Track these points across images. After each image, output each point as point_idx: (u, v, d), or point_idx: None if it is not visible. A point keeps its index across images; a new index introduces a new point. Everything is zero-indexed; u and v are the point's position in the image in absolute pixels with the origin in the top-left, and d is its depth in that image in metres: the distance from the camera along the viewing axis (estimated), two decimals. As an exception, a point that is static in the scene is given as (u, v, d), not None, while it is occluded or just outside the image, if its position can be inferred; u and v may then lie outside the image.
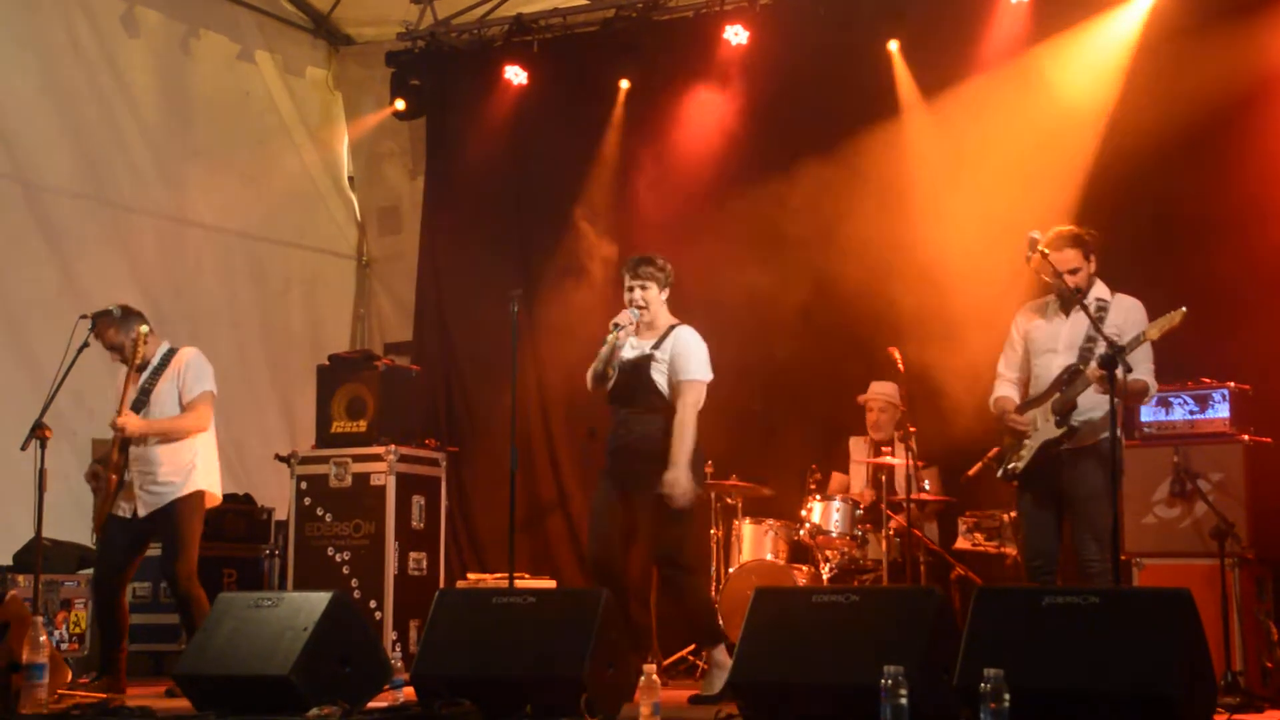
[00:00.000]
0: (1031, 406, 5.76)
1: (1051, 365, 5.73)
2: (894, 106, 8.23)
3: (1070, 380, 5.61)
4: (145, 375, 6.55)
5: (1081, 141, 7.61)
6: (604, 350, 6.06)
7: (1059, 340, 5.74)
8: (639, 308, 6.07)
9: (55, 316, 7.24)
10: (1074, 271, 5.65)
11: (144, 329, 6.52)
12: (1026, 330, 5.88)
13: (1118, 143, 7.54)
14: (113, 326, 6.53)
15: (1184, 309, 5.31)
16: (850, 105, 8.29)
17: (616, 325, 6.01)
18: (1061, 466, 5.63)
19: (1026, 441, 5.71)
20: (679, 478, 5.86)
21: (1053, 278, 5.67)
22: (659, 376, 6.02)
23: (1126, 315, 5.62)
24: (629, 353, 6.10)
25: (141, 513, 6.43)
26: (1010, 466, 5.77)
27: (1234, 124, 7.36)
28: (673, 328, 6.14)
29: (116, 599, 6.49)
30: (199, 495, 6.54)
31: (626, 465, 6.01)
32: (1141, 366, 5.55)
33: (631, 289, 6.10)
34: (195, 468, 6.54)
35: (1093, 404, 5.55)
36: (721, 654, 5.96)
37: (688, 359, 6.01)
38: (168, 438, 6.47)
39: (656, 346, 6.07)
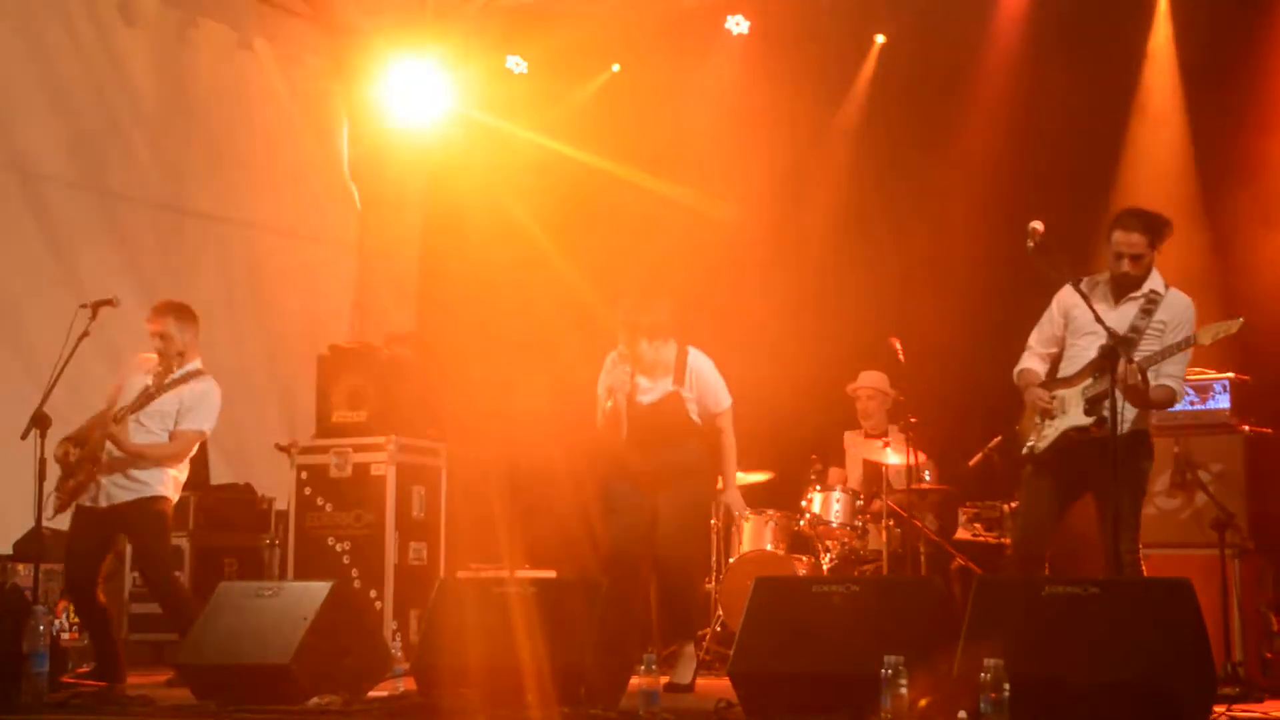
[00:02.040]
0: (1060, 386, 5.54)
1: (1090, 349, 5.46)
2: (895, 98, 8.23)
3: (1104, 369, 5.33)
4: (162, 383, 6.45)
5: (1084, 131, 7.61)
6: (607, 406, 6.17)
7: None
8: (627, 363, 6.13)
9: (51, 306, 7.23)
10: (1137, 259, 5.41)
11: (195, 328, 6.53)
12: (1069, 308, 5.61)
13: (1119, 131, 7.55)
14: (171, 316, 6.46)
15: (1241, 319, 5.17)
16: (853, 96, 8.29)
17: (613, 390, 6.12)
18: (1088, 454, 5.38)
19: (1051, 422, 5.50)
20: (739, 499, 6.48)
21: (1052, 270, 5.56)
22: (691, 410, 6.22)
23: (1177, 313, 5.40)
24: (649, 395, 6.18)
25: (104, 503, 6.31)
26: (1031, 445, 5.56)
27: (1233, 112, 7.35)
28: (683, 358, 6.23)
29: (92, 594, 6.32)
30: (165, 501, 6.40)
31: (662, 477, 6.16)
32: (1173, 368, 5.36)
33: (633, 339, 6.13)
34: (165, 475, 6.41)
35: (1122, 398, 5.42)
36: (693, 647, 6.27)
37: (716, 391, 6.27)
38: (139, 457, 6.37)
39: (678, 382, 6.19)
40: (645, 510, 6.12)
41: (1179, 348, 5.29)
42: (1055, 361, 5.70)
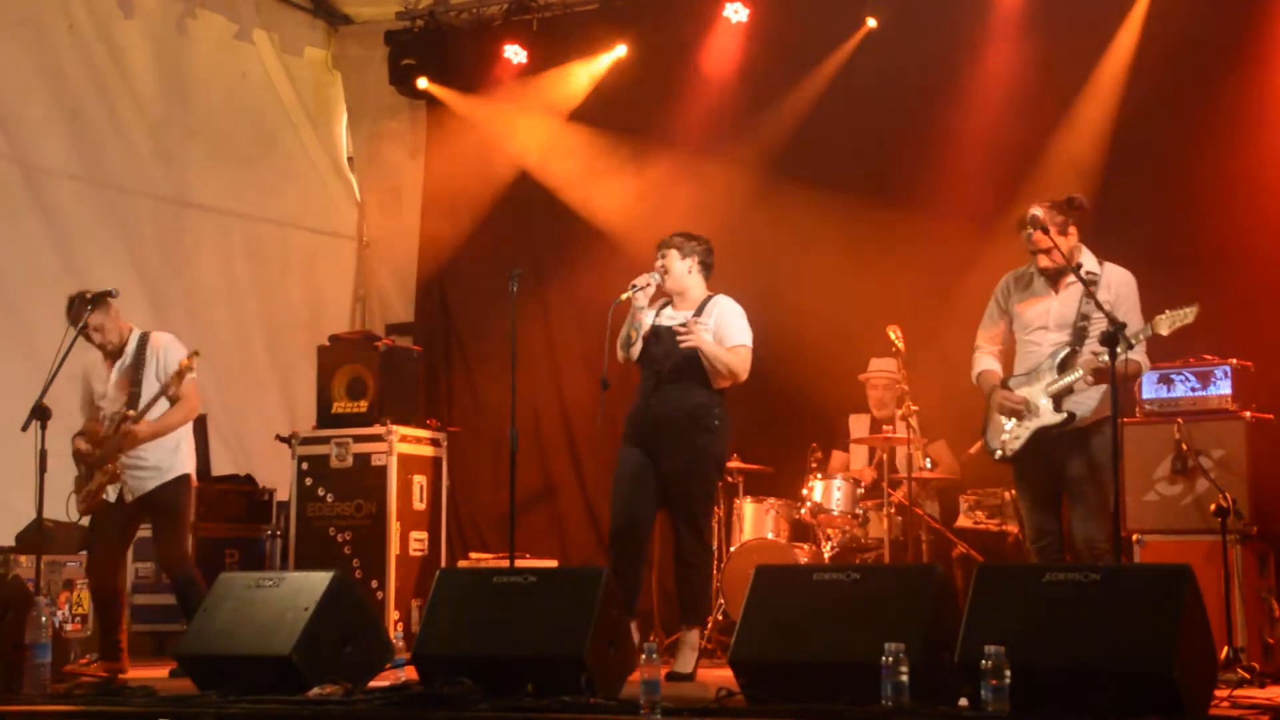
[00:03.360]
0: (1022, 385, 5.64)
1: (1044, 344, 5.60)
2: (892, 84, 8.21)
3: (1066, 364, 5.52)
4: (126, 365, 6.51)
5: (1078, 113, 7.59)
6: (622, 298, 6.09)
7: (1049, 317, 5.61)
8: (659, 273, 6.15)
9: (53, 298, 7.22)
10: (1048, 251, 5.50)
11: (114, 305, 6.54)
12: (1011, 305, 5.75)
13: (1116, 113, 7.53)
14: (92, 310, 6.45)
15: (1197, 305, 5.24)
16: (848, 82, 8.28)
17: (634, 286, 6.07)
18: (1059, 448, 5.54)
19: (1023, 423, 5.60)
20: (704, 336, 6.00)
21: (1049, 255, 5.58)
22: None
23: (1118, 290, 5.49)
24: (669, 321, 6.15)
25: (128, 497, 6.45)
26: (1001, 449, 5.68)
27: (1234, 95, 7.33)
28: (711, 297, 6.22)
29: (113, 583, 6.50)
30: (186, 479, 6.54)
31: (660, 436, 6.06)
32: (1135, 347, 5.44)
33: (657, 260, 6.20)
34: (180, 452, 6.53)
35: (1086, 387, 5.49)
36: (697, 635, 6.15)
37: (733, 326, 6.14)
38: (164, 432, 6.46)
39: (698, 314, 6.13)
40: (649, 486, 6.07)
41: (1141, 334, 5.38)
42: (1008, 355, 5.79)
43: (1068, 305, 5.59)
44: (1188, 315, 5.27)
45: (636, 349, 6.15)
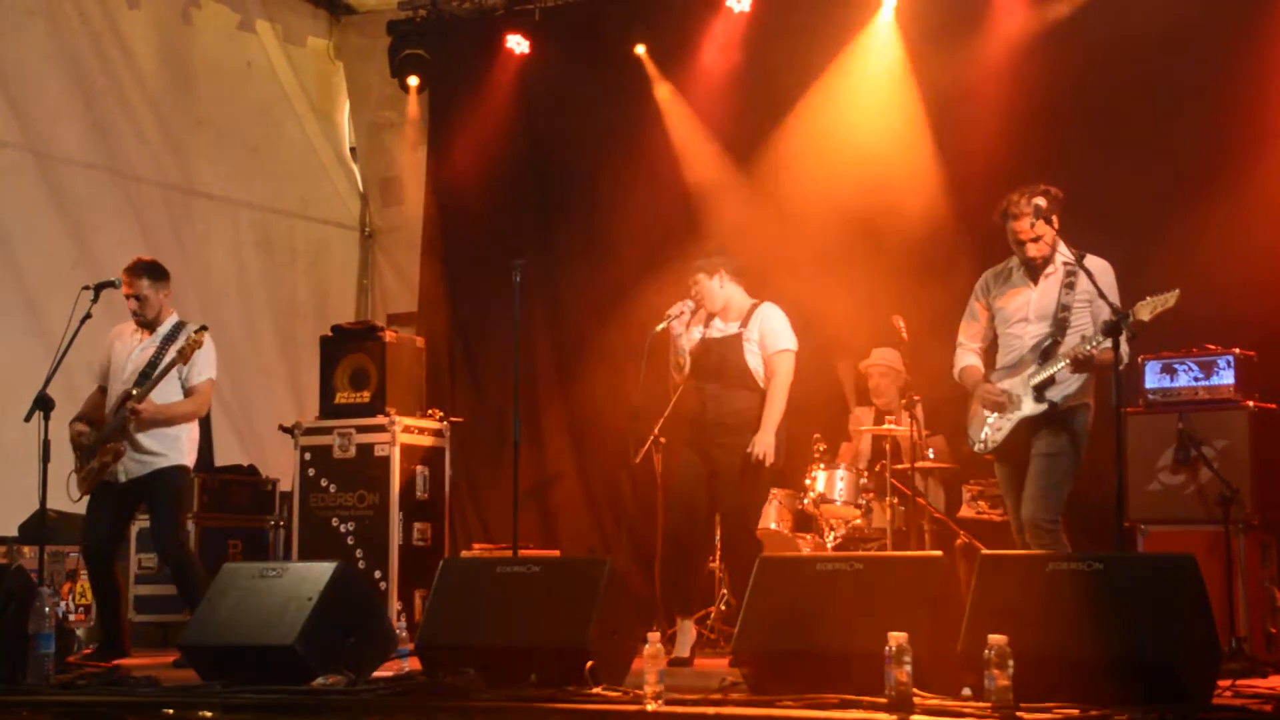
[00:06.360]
0: (1005, 377, 5.67)
1: (1025, 335, 5.63)
2: (893, 67, 8.19)
3: (1048, 355, 5.54)
4: (154, 345, 6.54)
5: (1072, 94, 7.57)
6: (658, 329, 6.36)
7: (1030, 309, 5.64)
8: (694, 299, 6.40)
9: (69, 287, 7.20)
10: (1036, 240, 5.52)
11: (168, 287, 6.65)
12: (992, 301, 5.78)
13: (1111, 94, 7.50)
14: (146, 278, 6.53)
15: (1177, 290, 5.25)
16: (853, 68, 8.26)
17: (669, 316, 6.35)
18: (1033, 432, 5.59)
19: (1005, 415, 5.62)
20: (768, 441, 6.25)
21: (1038, 244, 5.58)
22: (751, 357, 6.35)
23: (1097, 280, 5.44)
24: (715, 333, 6.41)
25: (123, 479, 6.46)
26: (984, 440, 5.70)
27: (1231, 78, 7.29)
28: (756, 306, 6.43)
29: (109, 566, 6.51)
30: (183, 470, 6.58)
31: (716, 438, 6.30)
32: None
33: (691, 287, 6.44)
34: (181, 443, 6.56)
35: (1068, 376, 5.53)
36: None
37: (776, 333, 6.39)
38: (168, 420, 6.47)
39: (744, 326, 6.36)
40: (705, 488, 6.31)
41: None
42: (989, 352, 5.84)
43: (1047, 296, 5.62)
44: (1168, 300, 5.26)
45: (686, 368, 6.41)
